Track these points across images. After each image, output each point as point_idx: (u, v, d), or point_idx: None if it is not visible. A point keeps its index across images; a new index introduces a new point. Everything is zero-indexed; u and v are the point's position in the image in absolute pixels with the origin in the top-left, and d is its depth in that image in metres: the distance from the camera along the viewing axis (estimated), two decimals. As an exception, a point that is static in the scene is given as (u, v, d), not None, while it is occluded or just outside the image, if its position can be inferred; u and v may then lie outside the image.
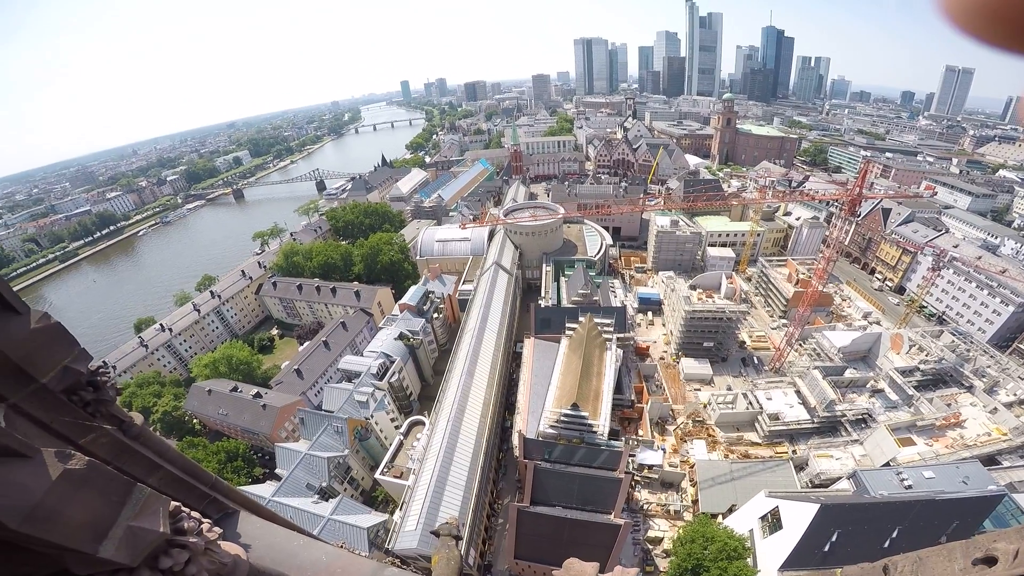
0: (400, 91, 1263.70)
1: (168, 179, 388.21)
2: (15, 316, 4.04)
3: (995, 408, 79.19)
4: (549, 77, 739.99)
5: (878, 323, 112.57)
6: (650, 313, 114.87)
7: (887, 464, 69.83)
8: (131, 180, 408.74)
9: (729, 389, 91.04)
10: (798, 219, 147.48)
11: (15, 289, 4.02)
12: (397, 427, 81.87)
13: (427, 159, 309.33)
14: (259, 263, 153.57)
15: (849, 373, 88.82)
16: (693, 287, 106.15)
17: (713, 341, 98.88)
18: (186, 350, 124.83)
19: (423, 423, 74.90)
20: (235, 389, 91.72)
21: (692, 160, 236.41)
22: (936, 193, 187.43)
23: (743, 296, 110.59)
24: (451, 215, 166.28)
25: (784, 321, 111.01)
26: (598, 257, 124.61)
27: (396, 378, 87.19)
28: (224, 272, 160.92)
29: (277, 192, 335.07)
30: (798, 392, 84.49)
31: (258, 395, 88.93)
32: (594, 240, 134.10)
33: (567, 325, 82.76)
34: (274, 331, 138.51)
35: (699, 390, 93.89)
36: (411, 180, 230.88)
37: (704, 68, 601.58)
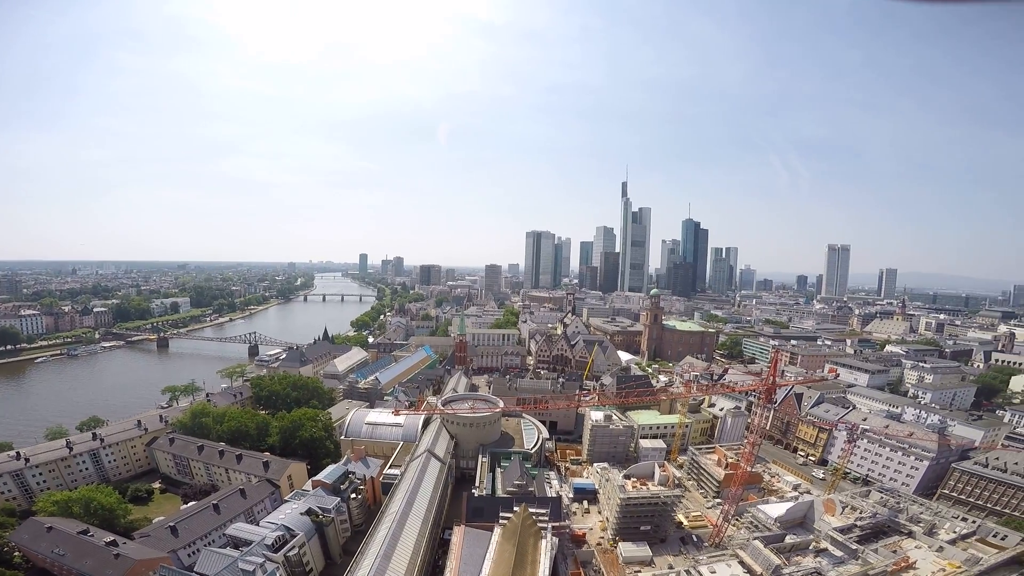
0: (358, 263, 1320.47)
1: (95, 310, 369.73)
2: None
3: (940, 547, 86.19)
4: (501, 268, 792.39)
5: (808, 492, 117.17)
6: (585, 502, 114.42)
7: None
8: (55, 302, 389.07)
9: (671, 568, 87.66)
10: (722, 409, 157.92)
11: None
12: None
13: (371, 339, 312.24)
14: (161, 416, 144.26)
15: (789, 539, 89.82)
16: (627, 476, 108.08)
17: (650, 524, 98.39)
18: (38, 483, 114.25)
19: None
20: (86, 532, 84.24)
21: (624, 356, 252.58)
22: (839, 375, 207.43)
23: (676, 482, 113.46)
24: (386, 399, 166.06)
25: (718, 500, 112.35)
26: (534, 450, 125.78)
27: (295, 553, 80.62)
28: (118, 419, 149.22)
29: (206, 348, 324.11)
30: (742, 563, 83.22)
31: (113, 543, 79.66)
32: (531, 433, 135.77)
33: (501, 515, 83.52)
34: (156, 484, 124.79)
35: (639, 572, 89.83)
36: (349, 359, 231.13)
37: (635, 263, 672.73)
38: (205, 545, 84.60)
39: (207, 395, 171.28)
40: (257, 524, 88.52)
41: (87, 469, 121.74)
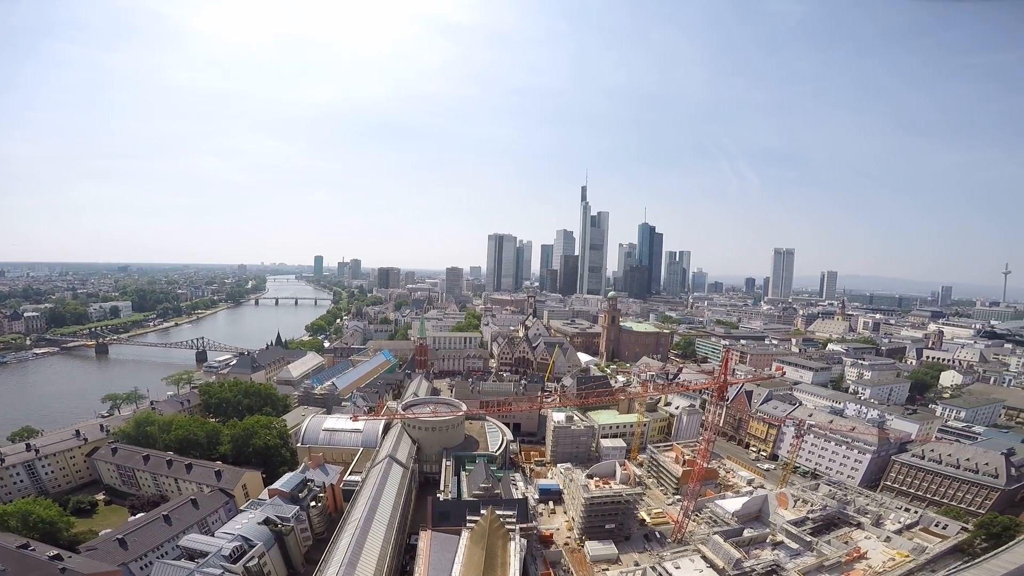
0: (313, 266, 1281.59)
1: (25, 314, 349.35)
2: None
3: (888, 537, 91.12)
4: (462, 271, 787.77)
5: (762, 487, 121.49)
6: (551, 503, 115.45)
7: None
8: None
9: (636, 564, 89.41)
10: (677, 408, 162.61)
11: None
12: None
13: (327, 343, 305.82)
14: (102, 426, 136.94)
15: (747, 533, 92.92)
16: (590, 476, 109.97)
17: (614, 523, 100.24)
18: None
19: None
20: (26, 546, 78.16)
21: (584, 357, 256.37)
22: (785, 373, 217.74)
23: (637, 480, 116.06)
24: (344, 405, 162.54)
25: (678, 497, 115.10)
26: (499, 452, 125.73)
27: (255, 563, 77.50)
28: (54, 429, 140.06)
29: (149, 354, 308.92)
30: (704, 557, 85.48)
31: (58, 557, 74.72)
32: (495, 436, 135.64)
33: (468, 518, 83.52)
34: (100, 496, 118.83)
35: (607, 570, 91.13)
36: (304, 364, 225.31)
37: (593, 266, 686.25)
38: (158, 558, 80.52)
39: (151, 403, 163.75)
40: (212, 535, 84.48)
41: (21, 481, 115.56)
